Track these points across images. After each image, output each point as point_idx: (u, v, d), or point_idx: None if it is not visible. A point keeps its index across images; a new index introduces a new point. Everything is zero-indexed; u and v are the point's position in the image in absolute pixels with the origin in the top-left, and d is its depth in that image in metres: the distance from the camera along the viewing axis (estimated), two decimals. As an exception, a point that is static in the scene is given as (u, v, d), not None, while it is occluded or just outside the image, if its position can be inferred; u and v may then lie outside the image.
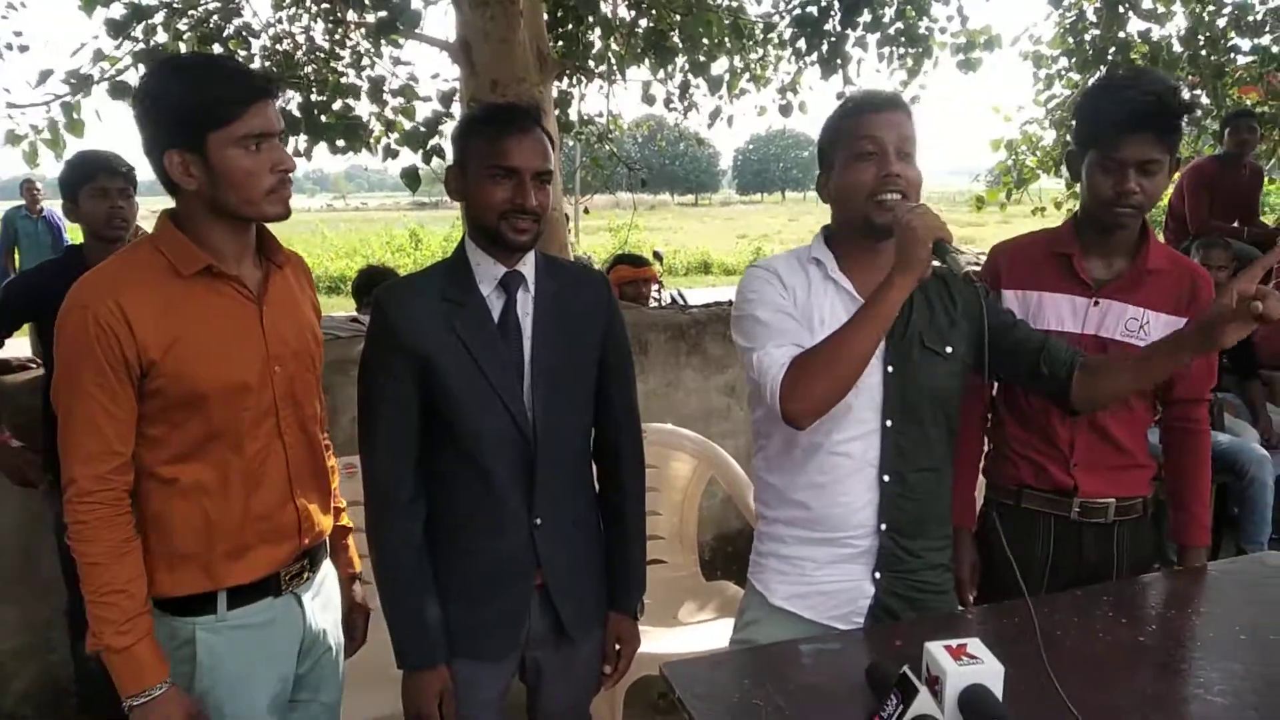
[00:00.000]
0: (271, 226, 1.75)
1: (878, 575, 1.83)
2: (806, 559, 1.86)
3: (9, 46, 6.45)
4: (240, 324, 1.69)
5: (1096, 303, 2.09)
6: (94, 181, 2.89)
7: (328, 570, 1.93)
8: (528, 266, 1.86)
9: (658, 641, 2.82)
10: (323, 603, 1.90)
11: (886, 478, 1.81)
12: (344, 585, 2.04)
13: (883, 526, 1.82)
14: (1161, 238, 6.31)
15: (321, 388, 1.91)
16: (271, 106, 1.63)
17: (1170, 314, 2.08)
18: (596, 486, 2.04)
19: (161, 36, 5.99)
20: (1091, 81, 2.15)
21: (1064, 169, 2.17)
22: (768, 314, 1.78)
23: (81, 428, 1.58)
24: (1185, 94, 2.03)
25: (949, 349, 1.85)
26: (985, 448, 2.31)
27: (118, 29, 5.72)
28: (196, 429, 1.65)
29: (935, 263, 1.66)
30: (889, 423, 1.80)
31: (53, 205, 8.76)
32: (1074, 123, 2.17)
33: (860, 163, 1.77)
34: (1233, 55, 8.43)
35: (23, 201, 8.91)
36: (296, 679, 1.85)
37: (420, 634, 1.82)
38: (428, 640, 1.83)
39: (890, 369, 1.80)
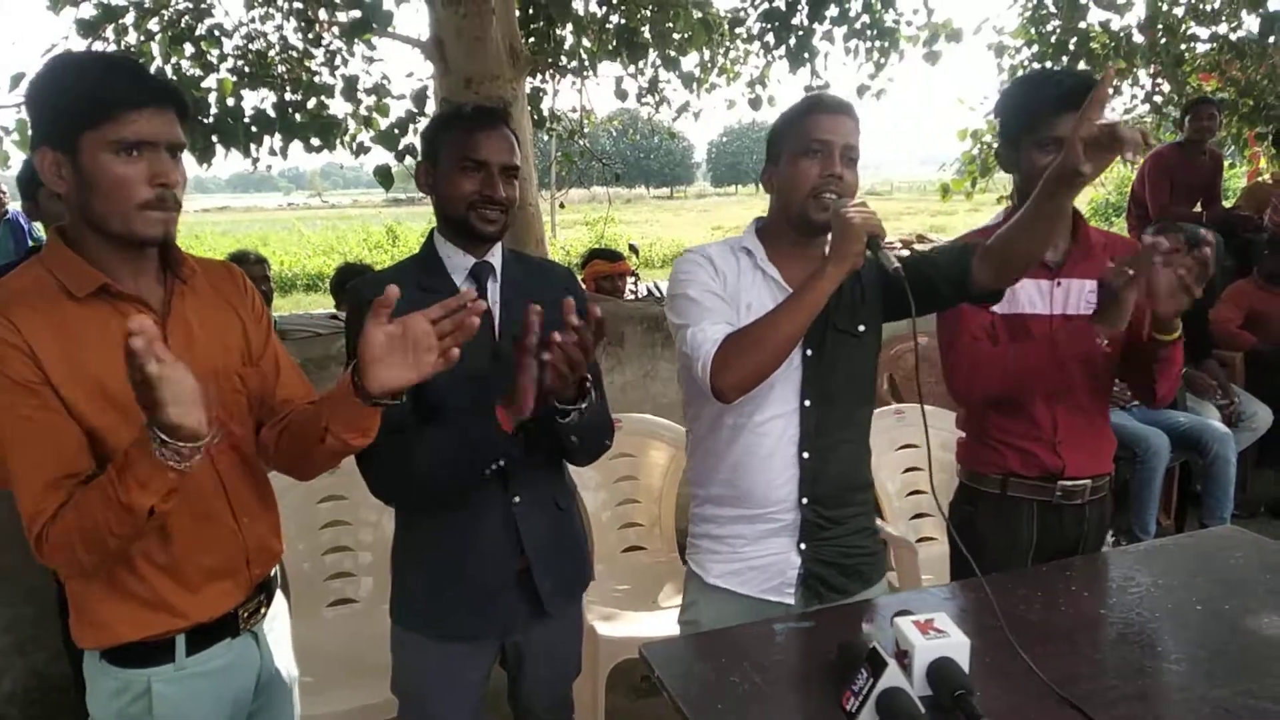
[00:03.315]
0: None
1: (803, 546, 1.91)
2: (736, 536, 1.94)
3: (-24, 48, 6.39)
4: None
5: (1059, 283, 2.18)
6: None
7: (280, 605, 1.82)
8: (496, 257, 1.91)
9: (638, 624, 2.88)
10: (277, 638, 1.78)
11: (806, 454, 1.89)
12: None
13: (804, 500, 1.90)
14: (1125, 223, 6.46)
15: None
16: (166, 116, 1.43)
17: None
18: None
19: (132, 37, 5.96)
20: (1009, 82, 2.17)
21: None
22: (698, 293, 1.85)
23: (32, 454, 1.39)
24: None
25: (861, 327, 1.92)
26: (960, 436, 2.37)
27: (89, 29, 5.69)
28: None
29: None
30: (808, 403, 1.89)
31: (18, 207, 8.65)
32: (1000, 122, 2.22)
33: (806, 159, 1.83)
34: (1192, 44, 8.55)
35: None
36: (247, 716, 1.74)
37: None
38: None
39: (809, 352, 1.88)
